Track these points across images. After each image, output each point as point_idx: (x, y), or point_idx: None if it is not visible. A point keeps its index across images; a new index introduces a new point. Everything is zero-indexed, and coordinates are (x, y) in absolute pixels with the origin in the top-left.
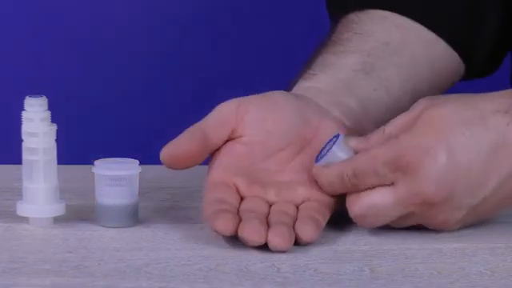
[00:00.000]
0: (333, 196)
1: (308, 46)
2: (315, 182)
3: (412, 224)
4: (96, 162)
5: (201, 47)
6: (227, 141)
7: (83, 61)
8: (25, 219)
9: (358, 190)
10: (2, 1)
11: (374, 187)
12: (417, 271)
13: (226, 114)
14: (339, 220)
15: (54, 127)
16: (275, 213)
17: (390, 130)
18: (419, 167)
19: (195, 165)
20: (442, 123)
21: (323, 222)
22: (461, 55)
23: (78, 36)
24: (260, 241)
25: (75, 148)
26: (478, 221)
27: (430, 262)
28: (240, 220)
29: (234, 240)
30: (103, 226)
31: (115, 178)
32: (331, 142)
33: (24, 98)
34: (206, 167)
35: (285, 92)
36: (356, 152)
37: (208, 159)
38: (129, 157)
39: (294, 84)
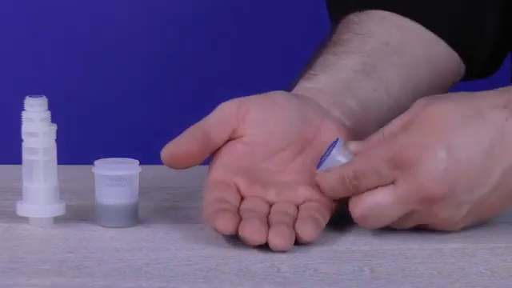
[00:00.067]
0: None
1: (308, 46)
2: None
3: (413, 225)
4: (96, 162)
5: (201, 47)
6: (228, 141)
7: (83, 61)
8: (25, 219)
9: (359, 191)
10: (2, 1)
11: (375, 188)
12: (417, 271)
13: (227, 114)
14: (339, 220)
15: (54, 127)
16: (276, 213)
17: (390, 131)
18: (418, 163)
19: (196, 164)
20: (441, 120)
21: (323, 221)
22: (461, 55)
23: (78, 36)
24: (260, 240)
25: (75, 148)
26: (479, 221)
27: (430, 262)
28: (240, 219)
29: (234, 240)
30: (103, 226)
31: (115, 178)
32: (330, 148)
33: (24, 98)
34: (206, 167)
35: (286, 92)
36: (356, 155)
37: (208, 159)
38: (129, 157)
39: (295, 84)
